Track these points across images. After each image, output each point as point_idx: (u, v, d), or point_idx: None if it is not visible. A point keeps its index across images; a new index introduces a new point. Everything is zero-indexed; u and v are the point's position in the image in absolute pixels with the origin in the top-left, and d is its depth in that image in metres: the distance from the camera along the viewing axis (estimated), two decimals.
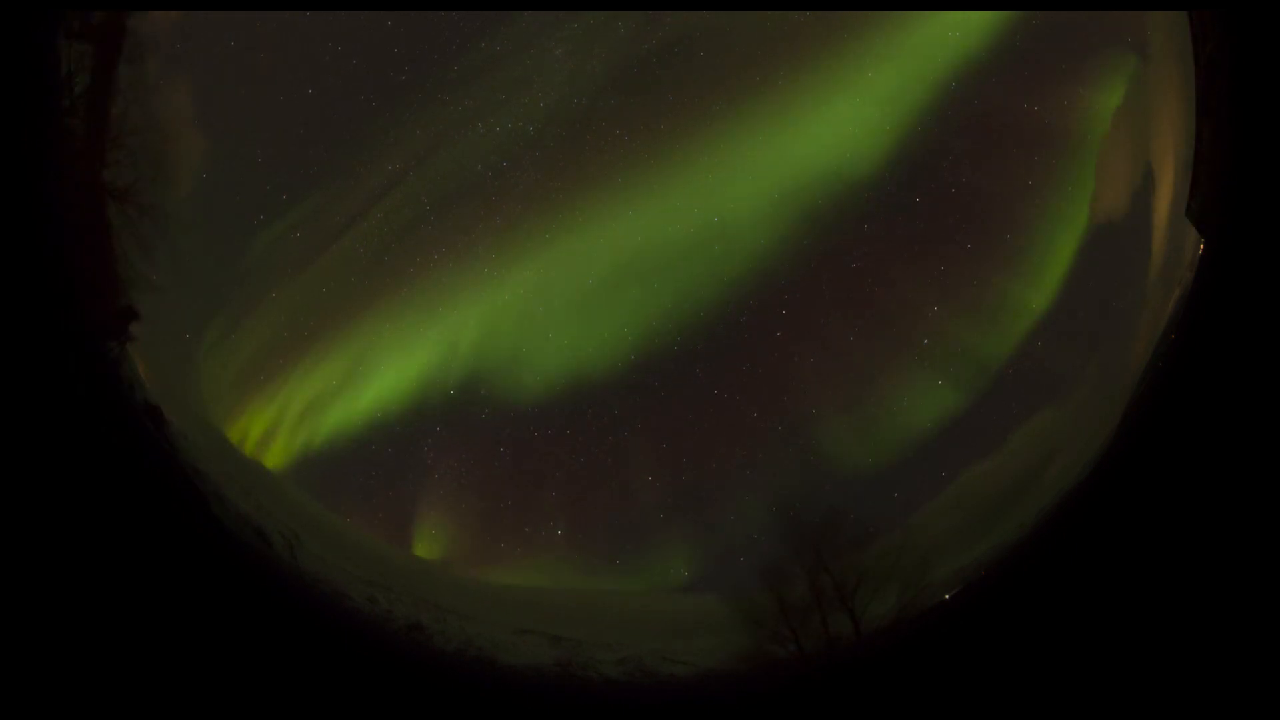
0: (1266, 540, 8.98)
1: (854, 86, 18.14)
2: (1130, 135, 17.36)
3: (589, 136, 19.09)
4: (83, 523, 9.47)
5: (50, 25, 11.34)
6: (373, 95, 18.58)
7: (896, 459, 18.36)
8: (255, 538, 14.94)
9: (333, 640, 13.47)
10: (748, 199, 19.12)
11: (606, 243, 19.33)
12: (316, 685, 11.20)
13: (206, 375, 18.29)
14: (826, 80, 18.27)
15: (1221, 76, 11.53)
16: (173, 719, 9.39)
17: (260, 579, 14.02)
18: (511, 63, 18.80)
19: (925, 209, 18.65)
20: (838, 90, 18.22)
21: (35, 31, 10.49)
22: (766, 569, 14.49)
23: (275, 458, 18.68)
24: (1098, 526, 11.97)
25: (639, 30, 18.65)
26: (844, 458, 18.65)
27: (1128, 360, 16.34)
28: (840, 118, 18.42)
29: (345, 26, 17.94)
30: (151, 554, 10.33)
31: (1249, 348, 9.71)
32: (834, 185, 18.68)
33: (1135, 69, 17.12)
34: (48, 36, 11.33)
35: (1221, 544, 9.37)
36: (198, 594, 10.68)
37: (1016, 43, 17.51)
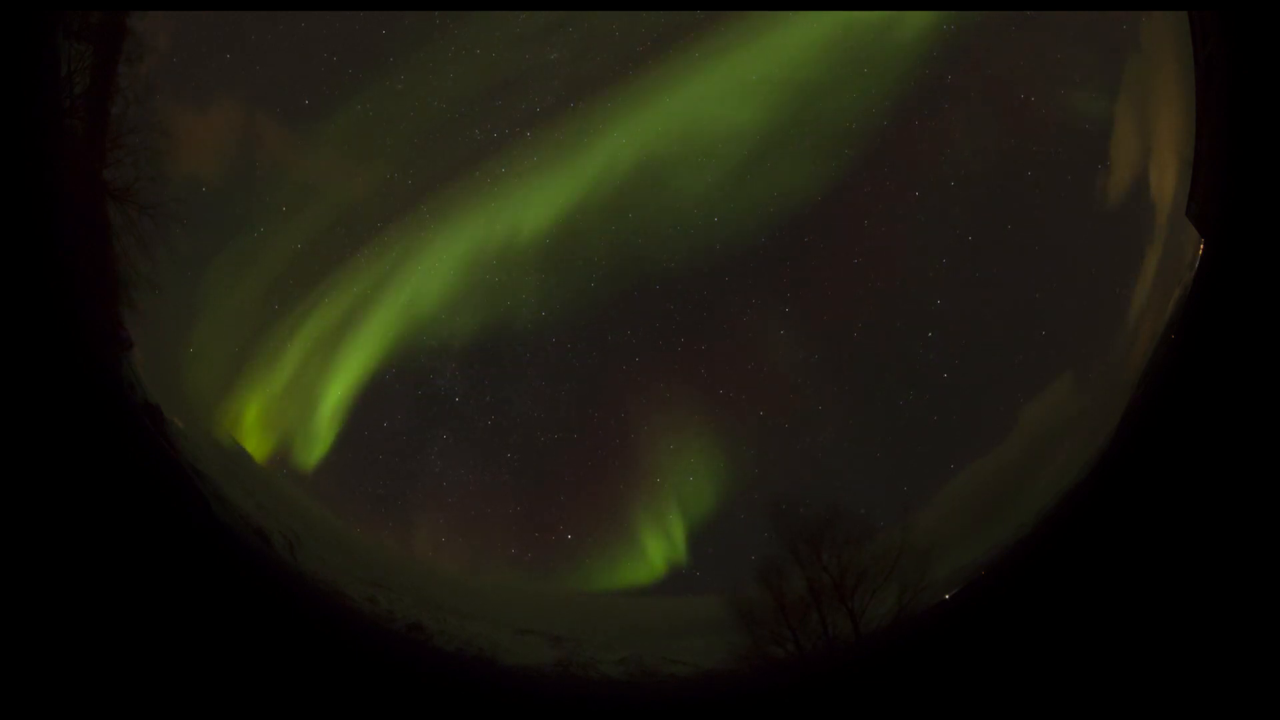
0: (1267, 540, 8.98)
1: (862, 85, 18.15)
2: (1130, 135, 17.37)
3: (586, 140, 19.14)
4: (83, 523, 9.48)
5: (50, 25, 11.36)
6: (369, 104, 18.62)
7: (898, 457, 18.40)
8: (255, 538, 14.96)
9: (333, 640, 13.48)
10: (749, 200, 19.18)
11: (608, 247, 19.39)
12: (317, 685, 11.21)
13: (207, 375, 18.31)
14: (837, 80, 18.33)
15: (1221, 76, 11.54)
16: (173, 719, 9.40)
17: (260, 579, 14.03)
18: (507, 68, 18.84)
19: (925, 205, 18.71)
20: (849, 91, 18.26)
21: (35, 31, 10.50)
22: (766, 568, 14.52)
23: (276, 458, 18.70)
24: (1098, 526, 11.97)
25: (634, 33, 18.69)
26: (846, 456, 18.71)
27: (1128, 360, 16.36)
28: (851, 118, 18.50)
29: (340, 35, 17.99)
30: (151, 554, 10.34)
31: (1249, 348, 9.72)
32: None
33: (1135, 68, 17.13)
34: (48, 36, 11.35)
35: (1222, 544, 9.37)
36: (198, 594, 10.69)
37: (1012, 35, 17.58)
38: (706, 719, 14.82)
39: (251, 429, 18.61)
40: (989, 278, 18.44)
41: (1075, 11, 16.98)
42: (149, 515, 10.77)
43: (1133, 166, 17.33)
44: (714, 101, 18.96)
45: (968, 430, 18.12)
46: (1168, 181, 16.32)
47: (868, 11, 17.55)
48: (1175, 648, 9.26)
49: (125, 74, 13.57)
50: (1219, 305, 10.77)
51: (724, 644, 14.53)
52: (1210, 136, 12.36)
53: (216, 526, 13.95)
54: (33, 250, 9.43)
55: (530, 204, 19.40)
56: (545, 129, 19.06)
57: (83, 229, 12.38)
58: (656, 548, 18.81)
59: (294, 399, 19.09)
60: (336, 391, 19.31)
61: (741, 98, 18.80)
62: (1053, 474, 15.76)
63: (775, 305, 19.20)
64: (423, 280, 19.55)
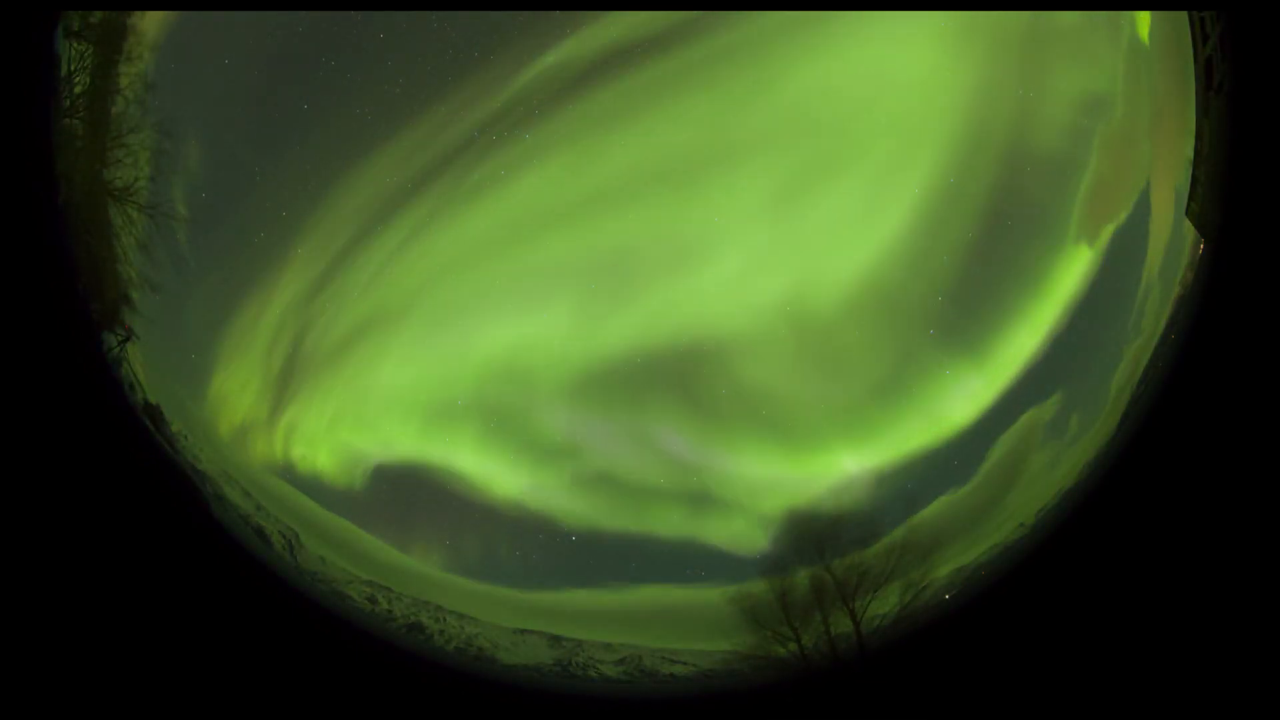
0: (1267, 540, 8.99)
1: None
2: (1130, 135, 17.37)
3: (585, 143, 19.13)
4: (82, 523, 9.48)
5: (50, 25, 11.36)
6: (368, 109, 18.55)
7: (900, 457, 18.40)
8: (255, 538, 14.96)
9: (333, 640, 13.49)
10: (749, 206, 19.21)
11: (610, 254, 19.41)
12: (317, 685, 11.21)
13: (207, 375, 18.30)
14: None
15: (1221, 76, 11.56)
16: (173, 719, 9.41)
17: (260, 579, 14.03)
18: (505, 70, 18.81)
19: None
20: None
21: (35, 31, 10.50)
22: (768, 568, 14.52)
23: (276, 458, 18.70)
24: (1098, 526, 11.99)
25: (632, 33, 18.67)
26: (848, 457, 18.72)
27: (1127, 360, 16.36)
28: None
29: (338, 40, 17.93)
30: (151, 554, 10.34)
31: (1249, 348, 9.73)
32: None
33: (1135, 68, 17.14)
34: (48, 36, 11.36)
35: (1222, 544, 9.38)
36: (197, 594, 10.69)
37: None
38: (706, 719, 14.83)
39: (252, 430, 18.61)
40: (989, 277, 18.46)
41: (1075, 11, 16.98)
42: (149, 515, 10.77)
43: (1132, 165, 17.33)
44: None
45: (968, 429, 18.11)
46: (1168, 181, 16.33)
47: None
48: (1175, 647, 9.27)
49: (125, 74, 13.57)
50: (1218, 305, 10.79)
51: (725, 644, 14.53)
52: (1210, 136, 12.38)
53: (216, 526, 13.95)
54: (33, 249, 9.43)
55: (530, 207, 19.41)
56: (544, 129, 19.09)
57: (83, 229, 12.38)
58: (658, 547, 18.82)
59: (294, 400, 19.10)
60: (336, 393, 19.31)
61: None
62: (1053, 474, 15.77)
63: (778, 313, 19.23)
64: (423, 280, 19.55)
